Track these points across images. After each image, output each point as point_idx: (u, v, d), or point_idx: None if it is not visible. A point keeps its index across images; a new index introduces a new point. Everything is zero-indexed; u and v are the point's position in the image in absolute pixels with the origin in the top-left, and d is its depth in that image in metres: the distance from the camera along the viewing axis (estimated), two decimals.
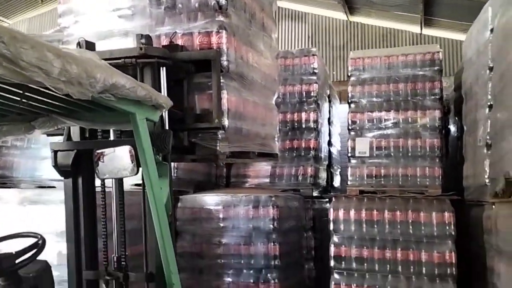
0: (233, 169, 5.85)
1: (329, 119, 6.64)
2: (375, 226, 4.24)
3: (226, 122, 2.94)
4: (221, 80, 2.91)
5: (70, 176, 2.56)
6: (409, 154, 5.34)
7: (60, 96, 1.71)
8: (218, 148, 2.91)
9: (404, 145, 5.36)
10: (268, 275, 4.27)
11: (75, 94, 1.53)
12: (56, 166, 2.54)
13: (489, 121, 4.02)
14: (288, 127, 5.65)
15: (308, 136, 5.61)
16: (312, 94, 5.63)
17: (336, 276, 4.27)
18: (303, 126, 5.61)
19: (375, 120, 5.49)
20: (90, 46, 2.66)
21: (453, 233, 4.08)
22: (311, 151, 5.59)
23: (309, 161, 5.60)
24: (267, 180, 5.67)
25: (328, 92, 6.62)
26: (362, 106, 5.56)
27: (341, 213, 4.34)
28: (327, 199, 5.71)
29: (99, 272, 2.56)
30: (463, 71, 5.51)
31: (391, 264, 4.14)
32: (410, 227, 4.16)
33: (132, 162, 2.05)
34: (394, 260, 4.13)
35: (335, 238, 4.33)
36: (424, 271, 4.07)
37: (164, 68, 2.71)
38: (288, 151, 5.62)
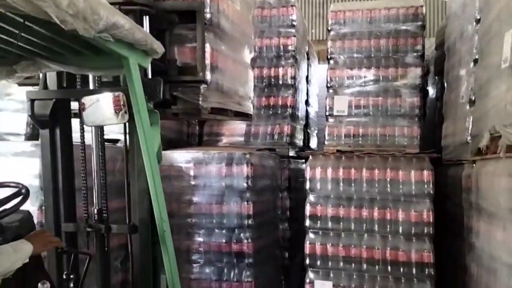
0: (206, 127, 5.58)
1: (307, 77, 6.39)
2: (353, 184, 4.09)
3: (208, 76, 2.90)
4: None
5: (48, 127, 2.47)
6: (388, 113, 5.18)
7: (50, 36, 1.73)
8: (200, 102, 2.88)
9: (383, 104, 5.19)
10: (241, 234, 4.10)
11: (80, 30, 1.54)
12: (32, 115, 2.44)
13: (473, 76, 3.86)
14: (264, 83, 5.37)
15: (285, 93, 5.35)
16: (290, 48, 5.33)
17: (311, 235, 4.14)
18: (280, 82, 5.33)
19: (354, 77, 5.28)
20: None
21: (431, 192, 3.97)
22: (288, 109, 5.35)
23: (285, 119, 5.36)
24: (242, 139, 5.43)
25: (306, 48, 6.34)
26: (342, 62, 5.33)
27: (318, 171, 4.17)
28: (304, 160, 5.54)
29: (79, 224, 2.50)
30: (445, 28, 5.32)
31: (368, 223, 4.03)
32: (388, 185, 4.03)
33: (122, 109, 2.04)
34: (371, 219, 4.02)
35: (311, 197, 4.18)
36: (400, 230, 3.98)
37: (147, 17, 2.60)
38: (264, 109, 5.36)
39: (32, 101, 2.43)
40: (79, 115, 2.19)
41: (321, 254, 4.07)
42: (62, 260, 2.46)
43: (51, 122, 2.46)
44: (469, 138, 3.87)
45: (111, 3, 2.42)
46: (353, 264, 4.01)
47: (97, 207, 2.45)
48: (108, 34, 1.72)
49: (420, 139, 5.11)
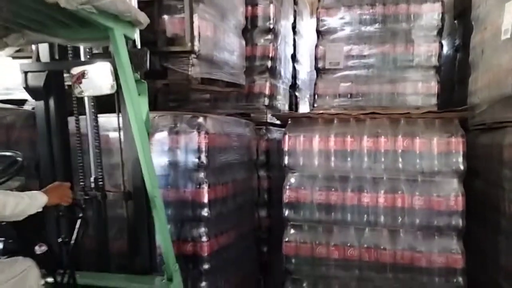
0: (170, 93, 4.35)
1: (294, 27, 5.12)
2: (349, 159, 2.90)
3: (197, 46, 2.95)
4: None
5: (42, 98, 2.57)
6: (397, 65, 4.01)
7: (37, 8, 1.86)
8: (190, 72, 2.95)
9: (391, 52, 4.03)
10: (194, 231, 2.94)
11: (62, 2, 1.63)
12: (27, 87, 2.54)
13: None
14: None
15: (261, 40, 4.11)
16: None
17: (291, 230, 2.99)
18: (256, 24, 4.09)
19: (352, 18, 4.06)
20: None
21: (461, 167, 2.80)
22: (266, 61, 4.12)
23: (263, 74, 4.15)
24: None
25: None
26: None
27: (300, 141, 2.98)
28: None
29: (76, 192, 2.52)
30: None
31: (371, 213, 2.87)
32: (400, 159, 2.84)
33: (113, 80, 2.12)
34: (375, 207, 2.86)
35: (291, 178, 3.01)
36: (417, 222, 2.81)
37: None
38: None
39: (25, 73, 2.50)
40: (72, 85, 2.23)
41: (305, 256, 2.93)
42: (59, 224, 2.51)
43: (45, 93, 2.54)
44: None
45: None
46: (350, 271, 2.86)
47: (93, 176, 2.57)
48: (91, 5, 1.79)
49: (438, 97, 3.93)
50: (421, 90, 3.94)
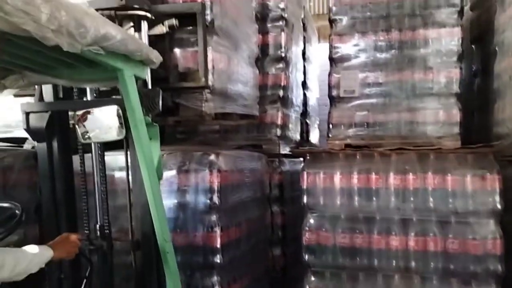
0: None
1: (304, 53, 4.98)
2: (374, 198, 2.67)
3: (211, 81, 2.78)
4: None
5: (44, 140, 2.41)
6: (416, 92, 3.77)
7: (38, 49, 1.68)
8: (203, 108, 2.78)
9: (408, 79, 3.78)
10: (206, 279, 2.69)
11: (64, 46, 1.46)
12: (28, 129, 2.38)
13: None
14: None
15: (272, 69, 3.94)
16: (279, 5, 3.92)
17: (311, 277, 2.73)
18: (267, 52, 3.92)
19: (367, 45, 3.87)
20: None
21: (499, 206, 2.55)
22: (278, 90, 3.94)
23: (275, 104, 3.96)
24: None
25: (302, 15, 4.92)
26: (350, 24, 3.90)
27: (320, 178, 2.75)
28: (302, 159, 4.12)
29: (80, 241, 2.28)
30: None
31: (400, 257, 2.61)
32: (430, 198, 2.61)
33: (120, 123, 1.95)
34: (405, 251, 2.61)
35: (311, 219, 2.77)
36: (451, 268, 2.56)
37: (145, 22, 2.58)
38: None
39: (27, 114, 2.36)
40: (76, 129, 2.05)
41: None
42: (62, 285, 2.40)
43: (48, 135, 2.40)
44: None
45: (105, 9, 2.35)
46: None
47: (98, 223, 2.37)
48: (98, 46, 1.63)
49: (461, 126, 3.70)
50: (442, 118, 3.69)
